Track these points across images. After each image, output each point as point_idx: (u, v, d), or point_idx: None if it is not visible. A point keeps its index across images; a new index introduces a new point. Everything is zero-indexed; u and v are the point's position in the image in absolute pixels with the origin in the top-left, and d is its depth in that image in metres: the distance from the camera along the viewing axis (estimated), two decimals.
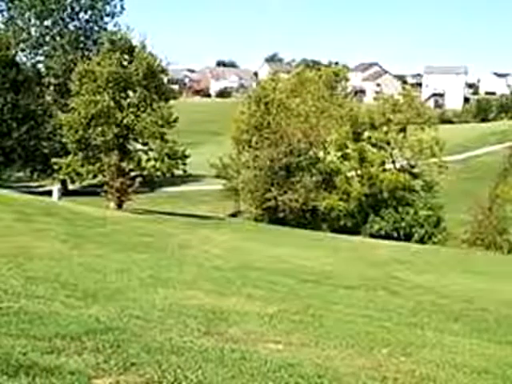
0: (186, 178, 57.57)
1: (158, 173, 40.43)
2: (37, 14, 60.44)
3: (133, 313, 7.71)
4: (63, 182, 49.22)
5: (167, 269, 13.54)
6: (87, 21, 62.74)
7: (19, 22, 60.82)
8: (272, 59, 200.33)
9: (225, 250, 20.73)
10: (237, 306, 9.37)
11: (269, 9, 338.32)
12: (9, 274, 9.66)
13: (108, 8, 62.84)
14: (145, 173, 40.51)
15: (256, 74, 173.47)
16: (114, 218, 28.31)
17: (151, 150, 41.13)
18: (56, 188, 39.52)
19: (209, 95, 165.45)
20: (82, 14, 62.58)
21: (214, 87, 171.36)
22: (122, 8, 63.44)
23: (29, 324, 6.32)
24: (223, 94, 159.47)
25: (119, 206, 36.78)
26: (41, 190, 51.86)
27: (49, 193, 40.44)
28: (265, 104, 49.58)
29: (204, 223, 34.65)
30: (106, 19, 62.94)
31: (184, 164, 40.88)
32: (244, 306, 9.54)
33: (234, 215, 48.51)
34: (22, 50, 60.46)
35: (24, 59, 60.41)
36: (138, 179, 38.68)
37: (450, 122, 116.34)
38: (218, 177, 51.96)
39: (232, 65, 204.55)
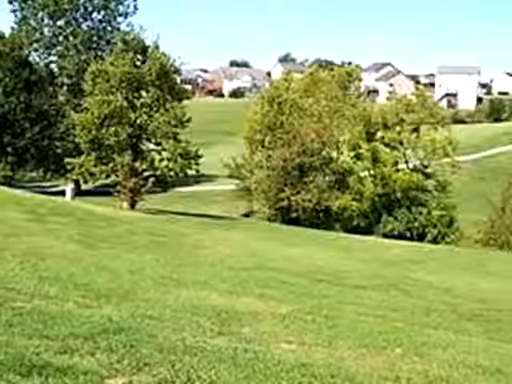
0: (199, 178, 57.63)
1: (171, 173, 40.50)
2: (50, 13, 60.76)
3: (146, 313, 7.72)
4: (76, 182, 49.40)
5: (180, 269, 13.56)
6: (100, 21, 63.05)
7: (32, 22, 61.19)
8: (285, 59, 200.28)
9: (238, 250, 20.73)
10: (250, 306, 9.37)
11: (282, 8, 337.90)
12: (22, 274, 9.70)
13: (121, 8, 63.13)
14: (158, 173, 40.60)
15: (269, 74, 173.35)
16: (127, 218, 28.37)
17: (164, 149, 41.19)
18: (69, 188, 39.68)
19: (222, 95, 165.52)
20: (95, 14, 62.91)
21: (227, 87, 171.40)
22: (135, 8, 63.73)
23: (42, 324, 6.32)
24: (236, 94, 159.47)
25: (132, 206, 36.88)
26: (54, 189, 52.03)
27: (62, 193, 40.61)
28: (278, 104, 49.57)
29: (217, 223, 34.68)
30: (119, 19, 63.26)
31: (197, 164, 40.93)
32: (257, 306, 9.53)
33: (246, 215, 48.51)
34: (35, 50, 60.84)
35: (37, 59, 60.78)
36: (151, 179, 38.79)
37: (463, 122, 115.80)
38: (230, 177, 51.99)
39: (245, 65, 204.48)
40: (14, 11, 61.54)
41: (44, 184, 57.68)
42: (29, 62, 55.04)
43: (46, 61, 62.29)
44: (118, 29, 61.20)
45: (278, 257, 19.84)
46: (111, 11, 62.87)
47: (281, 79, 57.60)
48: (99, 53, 58.99)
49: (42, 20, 61.58)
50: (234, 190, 50.86)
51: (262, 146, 48.75)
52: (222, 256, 17.94)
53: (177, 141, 40.31)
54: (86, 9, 62.33)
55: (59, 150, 52.06)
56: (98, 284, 9.79)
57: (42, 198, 31.51)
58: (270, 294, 11.13)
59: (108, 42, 61.05)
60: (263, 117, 49.33)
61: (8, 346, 5.34)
